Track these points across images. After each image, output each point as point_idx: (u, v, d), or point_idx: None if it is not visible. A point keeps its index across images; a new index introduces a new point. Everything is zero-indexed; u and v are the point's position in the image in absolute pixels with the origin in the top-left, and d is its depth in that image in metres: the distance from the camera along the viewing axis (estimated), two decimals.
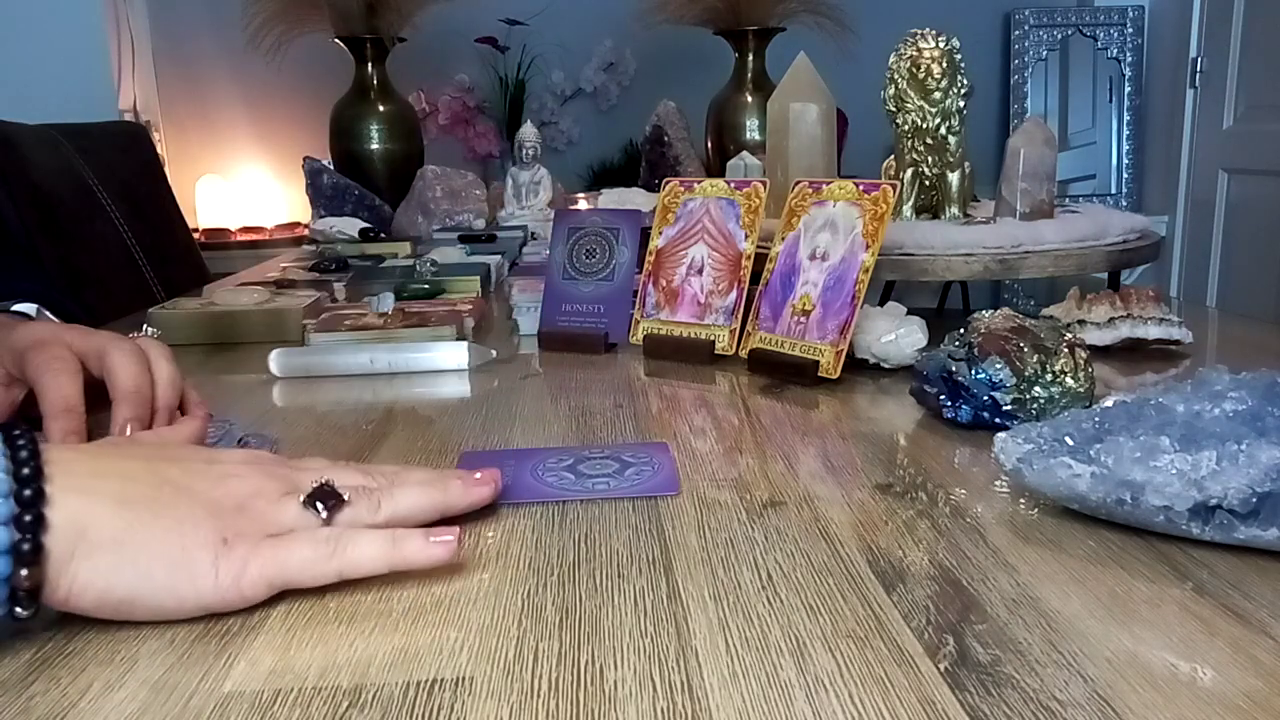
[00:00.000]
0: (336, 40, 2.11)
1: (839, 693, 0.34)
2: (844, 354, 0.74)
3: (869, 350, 0.78)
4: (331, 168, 2.06)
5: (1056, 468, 0.47)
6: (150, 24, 2.69)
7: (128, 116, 2.51)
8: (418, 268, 1.22)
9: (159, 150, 2.39)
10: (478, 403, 0.76)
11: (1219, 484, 0.42)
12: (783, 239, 0.83)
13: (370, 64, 2.12)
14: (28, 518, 0.37)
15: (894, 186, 0.77)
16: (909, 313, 0.79)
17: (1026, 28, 2.86)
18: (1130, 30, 2.84)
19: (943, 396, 0.64)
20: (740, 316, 0.84)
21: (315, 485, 0.45)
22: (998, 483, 0.54)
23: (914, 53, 0.94)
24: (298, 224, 2.69)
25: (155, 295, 1.53)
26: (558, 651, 0.38)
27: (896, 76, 0.96)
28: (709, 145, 2.25)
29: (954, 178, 0.99)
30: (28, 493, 0.37)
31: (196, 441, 0.56)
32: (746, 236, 0.85)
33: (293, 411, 0.76)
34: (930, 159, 0.98)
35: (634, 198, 1.55)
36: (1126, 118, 2.87)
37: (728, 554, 0.46)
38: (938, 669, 0.35)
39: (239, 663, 0.37)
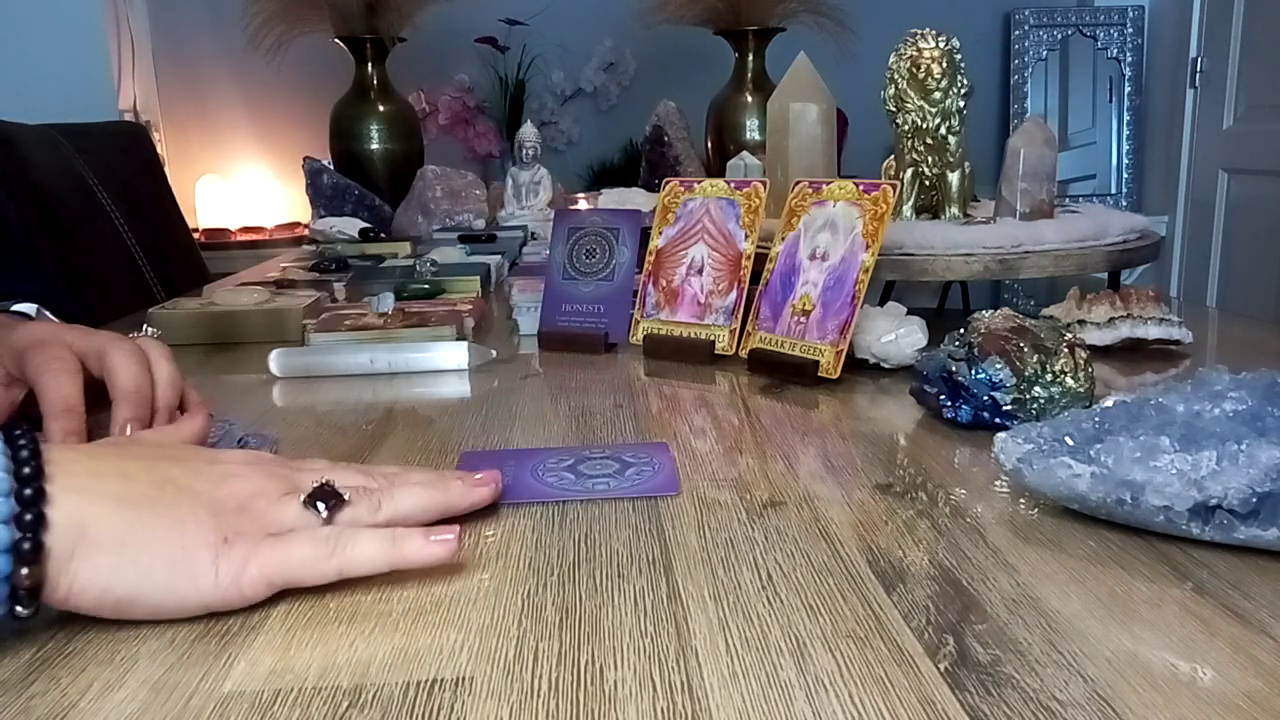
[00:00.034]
0: (336, 40, 2.11)
1: (839, 693, 0.34)
2: (844, 354, 0.74)
3: (869, 350, 0.78)
4: (331, 168, 2.06)
5: (1056, 468, 0.47)
6: (150, 24, 2.69)
7: (128, 116, 2.51)
8: (418, 268, 1.22)
9: (159, 150, 2.39)
10: (478, 403, 0.76)
11: (1219, 484, 0.42)
12: (783, 239, 0.83)
13: (370, 64, 2.12)
14: (28, 516, 0.37)
15: (894, 186, 0.77)
16: (909, 313, 0.79)
17: (1026, 28, 2.86)
18: (1130, 30, 2.84)
19: (943, 396, 0.64)
20: (740, 316, 0.84)
21: (316, 485, 0.45)
22: (998, 483, 0.54)
23: (914, 53, 0.94)
24: (298, 224, 2.69)
25: (155, 295, 1.53)
26: (558, 651, 0.38)
27: (896, 76, 0.96)
28: (709, 145, 2.25)
29: (954, 178, 0.99)
30: (28, 491, 0.37)
31: (198, 440, 0.56)
32: (746, 236, 0.85)
33: (293, 411, 0.76)
34: (930, 159, 0.98)
35: (634, 198, 1.55)
36: (1126, 118, 2.87)
37: (728, 554, 0.46)
38: (938, 669, 0.35)
39: (239, 663, 0.37)
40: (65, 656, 0.38)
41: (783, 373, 0.78)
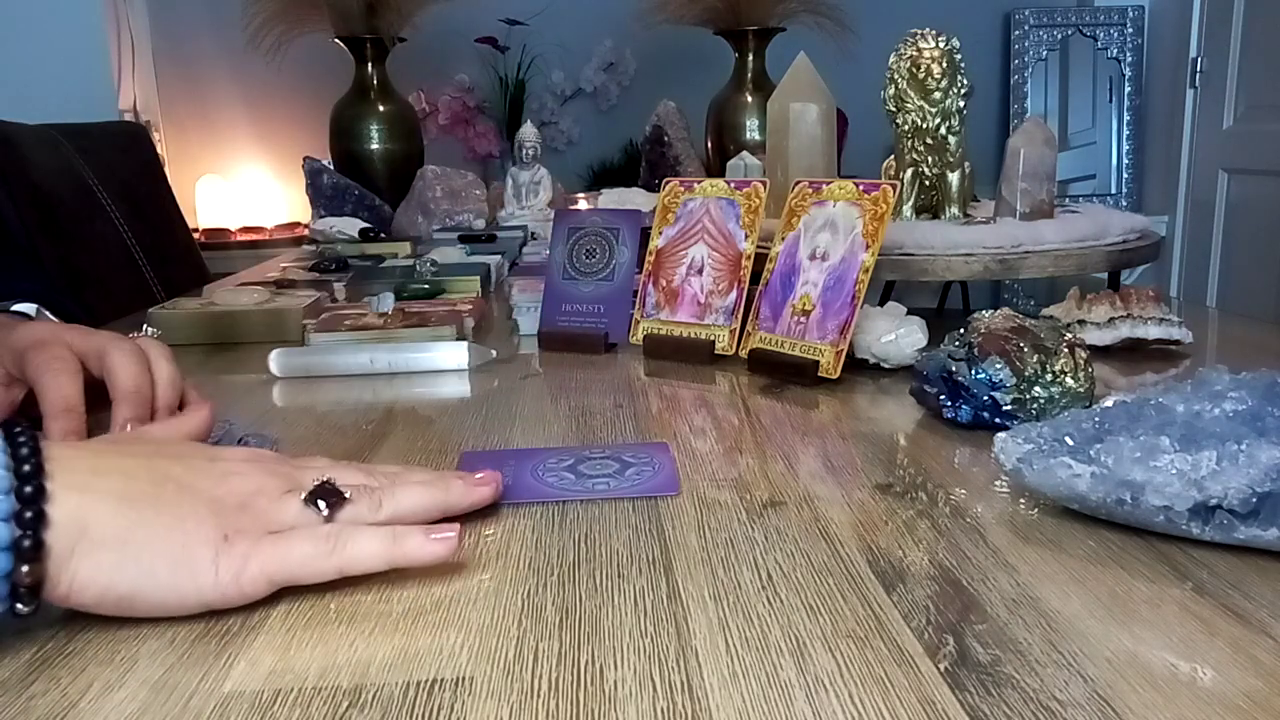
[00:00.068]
0: (336, 40, 2.11)
1: (839, 693, 0.34)
2: (844, 354, 0.74)
3: (869, 350, 0.78)
4: (331, 168, 2.06)
5: (1056, 468, 0.47)
6: (150, 24, 2.69)
7: (128, 116, 2.51)
8: (418, 268, 1.22)
9: (159, 150, 2.39)
10: (478, 403, 0.76)
11: (1219, 484, 0.42)
12: (783, 239, 0.83)
13: (370, 64, 2.12)
14: (28, 514, 0.37)
15: (894, 186, 0.77)
16: (909, 313, 0.79)
17: (1026, 28, 2.86)
18: (1130, 30, 2.84)
19: (943, 396, 0.64)
20: (740, 316, 0.84)
21: (316, 483, 0.45)
22: (998, 483, 0.54)
23: (914, 53, 0.94)
24: (298, 224, 2.69)
25: (155, 295, 1.53)
26: (558, 651, 0.38)
27: (896, 76, 0.96)
28: (709, 145, 2.25)
29: (954, 178, 0.99)
30: (28, 489, 0.38)
31: (201, 434, 0.56)
32: (746, 236, 0.85)
33: (293, 411, 0.76)
34: (930, 159, 0.98)
35: (634, 198, 1.55)
36: (1126, 118, 2.87)
37: (728, 554, 0.46)
38: (938, 669, 0.35)
39: (239, 663, 0.37)
40: (65, 656, 0.38)
41: (783, 373, 0.78)
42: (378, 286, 1.09)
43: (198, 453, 0.47)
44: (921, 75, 0.94)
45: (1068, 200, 1.71)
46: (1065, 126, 2.90)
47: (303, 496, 0.44)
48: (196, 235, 2.33)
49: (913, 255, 0.89)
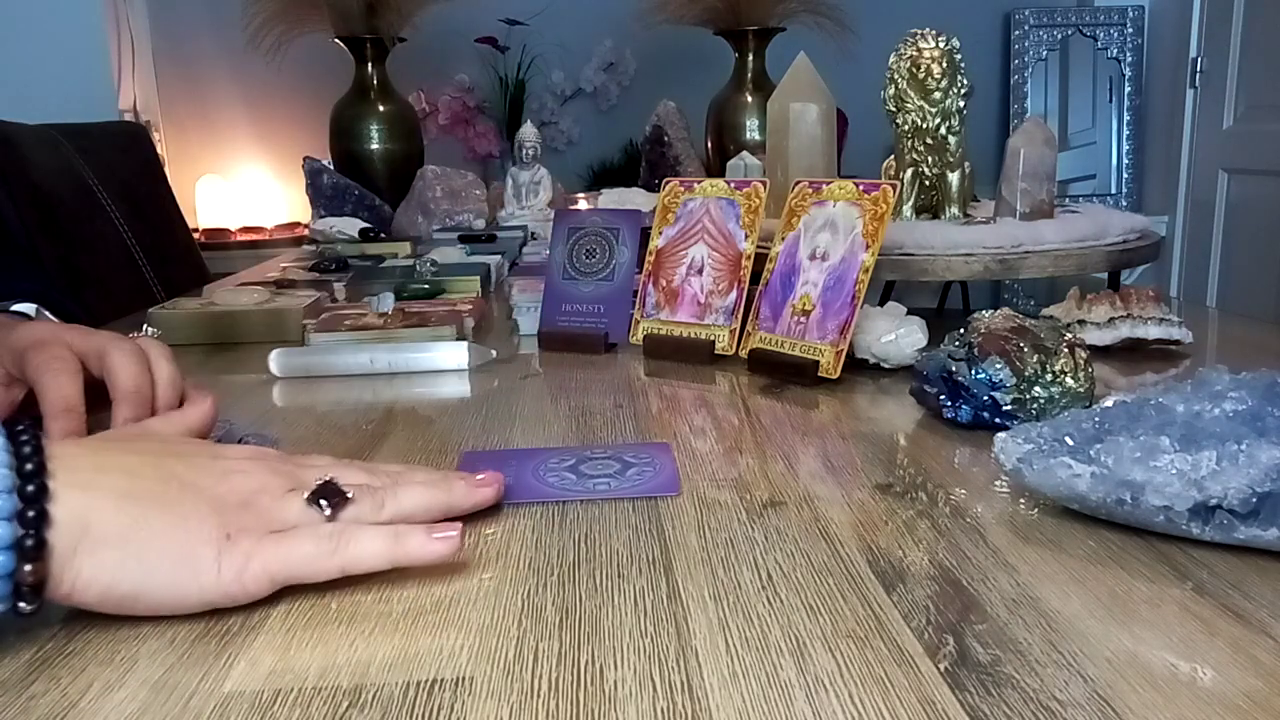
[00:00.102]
0: (336, 40, 2.11)
1: (839, 693, 0.34)
2: (844, 354, 0.74)
3: (869, 350, 0.78)
4: (331, 168, 2.06)
5: (1056, 468, 0.47)
6: (150, 24, 2.69)
7: (128, 116, 2.51)
8: (418, 268, 1.22)
9: (159, 150, 2.39)
10: (478, 403, 0.76)
11: (1219, 484, 0.42)
12: (783, 239, 0.83)
13: (370, 64, 2.12)
14: (31, 513, 0.37)
15: (894, 186, 0.77)
16: (909, 313, 0.79)
17: (1026, 28, 2.86)
18: (1130, 30, 2.84)
19: (943, 396, 0.64)
20: (740, 316, 0.84)
21: (319, 482, 0.45)
22: (998, 483, 0.54)
23: (914, 53, 0.94)
24: (298, 224, 2.69)
25: (155, 295, 1.53)
26: (558, 651, 0.38)
27: (896, 76, 0.96)
28: (709, 145, 2.25)
29: (954, 178, 0.99)
30: (31, 488, 0.37)
31: (204, 427, 0.56)
32: (746, 236, 0.85)
33: (293, 411, 0.76)
34: (930, 159, 0.98)
35: (634, 198, 1.55)
36: (1126, 118, 2.87)
37: (728, 554, 0.46)
38: (938, 669, 0.35)
39: (239, 663, 0.37)
40: (65, 656, 0.38)
41: (783, 373, 0.78)
42: (378, 286, 1.09)
43: (201, 451, 0.47)
44: (921, 75, 0.94)
45: (1068, 200, 1.71)
46: (1065, 126, 2.90)
47: (305, 495, 0.44)
48: (196, 235, 2.33)
49: (913, 255, 0.89)
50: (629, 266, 0.93)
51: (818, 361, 0.75)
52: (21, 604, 0.37)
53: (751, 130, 2.15)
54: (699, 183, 0.90)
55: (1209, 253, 2.58)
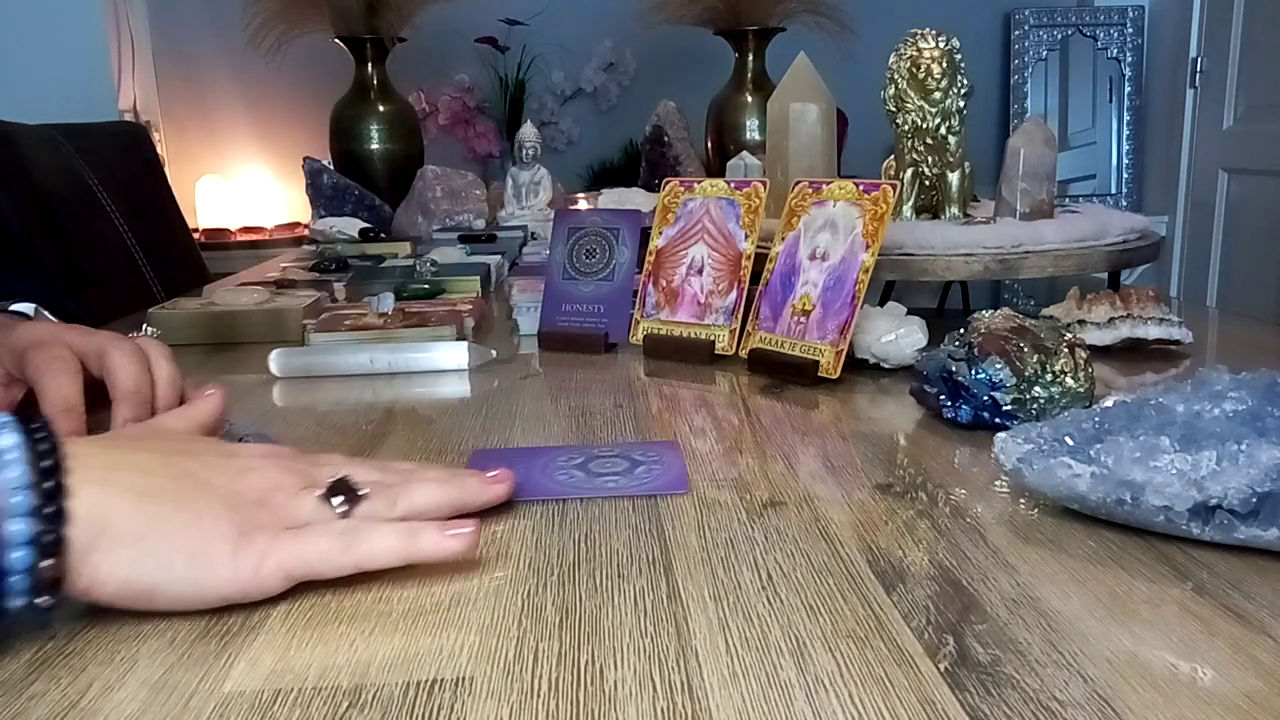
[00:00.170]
0: (336, 40, 2.11)
1: (839, 693, 0.34)
2: (844, 354, 0.74)
3: (869, 350, 0.78)
4: (331, 168, 2.06)
5: (1056, 468, 0.47)
6: (150, 24, 2.69)
7: (128, 116, 2.51)
8: (418, 268, 1.22)
9: (159, 150, 2.39)
10: (478, 403, 0.76)
11: (1219, 484, 0.42)
12: (783, 239, 0.83)
13: (370, 64, 2.12)
14: (49, 510, 0.37)
15: (894, 186, 0.77)
16: (909, 313, 0.79)
17: (1026, 28, 2.86)
18: (1130, 30, 2.84)
19: (943, 396, 0.64)
20: (740, 316, 0.84)
21: (333, 480, 0.45)
22: (998, 483, 0.54)
23: (914, 53, 0.94)
24: (298, 224, 2.69)
25: (155, 295, 1.53)
26: (558, 651, 0.38)
27: (896, 76, 0.96)
28: (709, 145, 2.25)
29: (954, 178, 0.99)
30: (48, 485, 0.38)
31: (213, 423, 0.56)
32: (746, 236, 0.85)
33: (293, 411, 0.76)
34: (930, 159, 0.98)
35: (634, 198, 1.55)
36: (1126, 118, 2.87)
37: (728, 554, 0.46)
38: (938, 669, 0.35)
39: (239, 663, 0.37)
40: (65, 656, 0.38)
41: (783, 373, 0.78)
42: (378, 286, 1.09)
43: (214, 449, 0.47)
44: (921, 75, 0.94)
45: (1068, 200, 1.71)
46: (1065, 126, 2.90)
47: (319, 493, 0.44)
48: (196, 235, 2.33)
49: (913, 255, 0.89)
50: (629, 266, 0.93)
51: (818, 361, 0.75)
52: (40, 600, 0.37)
53: (751, 130, 2.15)
54: (699, 183, 0.90)
55: (1209, 253, 2.58)
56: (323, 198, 1.96)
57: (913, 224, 0.95)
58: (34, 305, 0.70)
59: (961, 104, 0.96)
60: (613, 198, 1.58)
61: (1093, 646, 0.37)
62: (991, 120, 2.88)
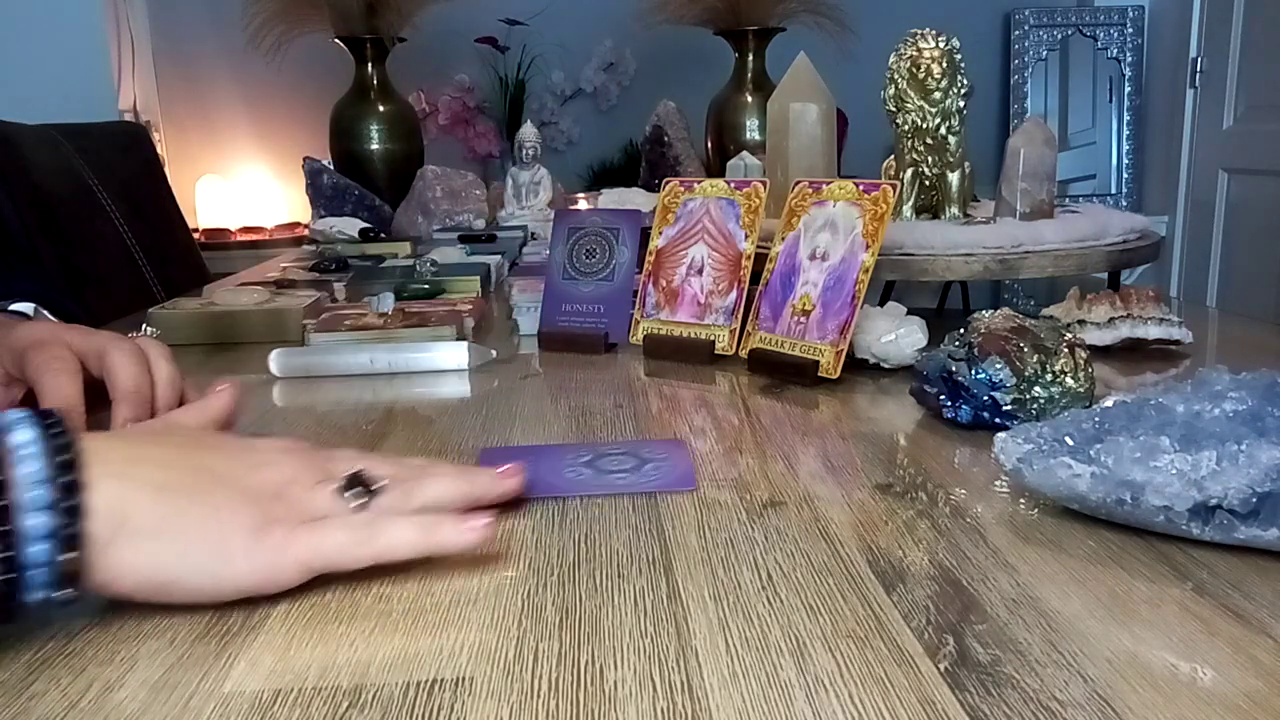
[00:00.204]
0: (336, 40, 2.11)
1: (839, 693, 0.34)
2: (844, 354, 0.74)
3: (869, 350, 0.78)
4: (331, 168, 2.06)
5: (1056, 468, 0.47)
6: (150, 24, 2.69)
7: (128, 116, 2.51)
8: (418, 268, 1.22)
9: (159, 150, 2.39)
10: (478, 403, 0.76)
11: (1219, 484, 0.42)
12: (783, 239, 0.83)
13: (370, 64, 2.12)
14: (68, 504, 0.37)
15: (894, 186, 0.77)
16: (909, 313, 0.79)
17: (1026, 28, 2.86)
18: (1130, 30, 2.84)
19: (943, 396, 0.64)
20: (740, 316, 0.84)
21: (349, 473, 0.45)
22: (998, 483, 0.54)
23: (914, 53, 0.94)
24: (298, 224, 2.69)
25: (155, 295, 1.53)
26: (558, 651, 0.38)
27: (896, 76, 0.96)
28: (709, 145, 2.25)
29: (954, 178, 0.99)
30: (66, 479, 0.38)
31: (225, 417, 0.56)
32: (746, 236, 0.85)
33: (293, 411, 0.76)
34: (930, 159, 0.98)
35: (634, 198, 1.55)
36: (1126, 118, 2.87)
37: (728, 554, 0.46)
38: (938, 669, 0.35)
39: (239, 663, 0.37)
40: (65, 656, 0.38)
41: (783, 373, 0.78)
42: (378, 286, 1.09)
43: (231, 443, 0.47)
44: (921, 75, 0.94)
45: (1068, 200, 1.71)
46: (1065, 126, 2.90)
47: (336, 486, 0.45)
48: (196, 235, 2.33)
49: (913, 255, 0.89)
50: (629, 266, 0.93)
51: (818, 361, 0.75)
52: (59, 593, 0.37)
53: (751, 130, 2.15)
54: (699, 183, 0.90)
55: (1209, 253, 2.58)
56: (323, 198, 1.96)
57: (913, 224, 0.95)
58: (34, 305, 0.70)
59: (961, 104, 0.96)
60: (613, 198, 1.58)
61: (1093, 646, 0.37)
62: (991, 120, 2.88)
